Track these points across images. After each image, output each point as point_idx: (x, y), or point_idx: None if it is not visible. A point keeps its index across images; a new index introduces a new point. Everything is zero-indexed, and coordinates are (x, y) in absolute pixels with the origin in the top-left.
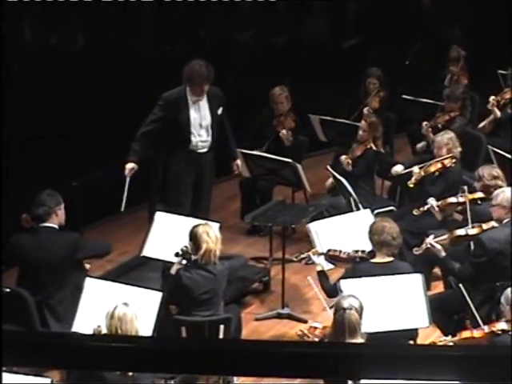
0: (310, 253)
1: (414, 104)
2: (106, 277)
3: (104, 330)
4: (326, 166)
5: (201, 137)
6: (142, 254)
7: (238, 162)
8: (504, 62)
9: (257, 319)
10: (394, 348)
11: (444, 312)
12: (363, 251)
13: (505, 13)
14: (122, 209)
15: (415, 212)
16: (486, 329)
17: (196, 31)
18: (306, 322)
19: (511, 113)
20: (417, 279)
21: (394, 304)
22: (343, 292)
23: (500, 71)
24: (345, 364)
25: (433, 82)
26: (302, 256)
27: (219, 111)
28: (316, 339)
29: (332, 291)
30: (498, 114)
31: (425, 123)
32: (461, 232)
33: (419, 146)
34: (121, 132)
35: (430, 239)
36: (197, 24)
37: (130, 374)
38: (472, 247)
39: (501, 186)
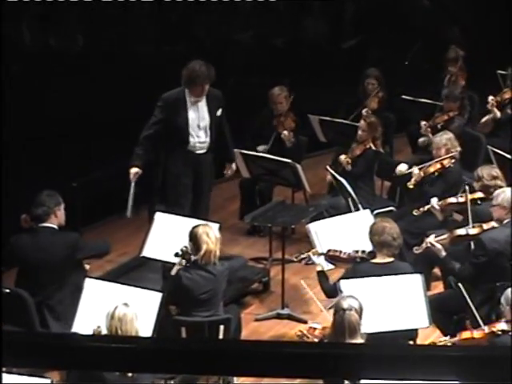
0: (310, 253)
1: (414, 104)
2: (105, 277)
3: (104, 331)
4: (325, 167)
5: (199, 138)
6: (141, 255)
7: (233, 166)
8: (503, 62)
9: (256, 320)
10: (394, 348)
11: (444, 312)
12: (363, 251)
13: (504, 13)
14: (129, 214)
15: (415, 213)
16: (486, 329)
17: (196, 31)
18: (305, 322)
19: (511, 113)
20: (416, 279)
21: (394, 304)
22: (343, 292)
23: (499, 71)
24: (345, 364)
25: (432, 83)
26: (302, 256)
27: (218, 113)
28: (315, 340)
29: (332, 291)
30: (498, 114)
31: (424, 123)
32: (461, 232)
33: (421, 140)
34: (121, 132)
35: (430, 238)
36: (196, 24)
37: (130, 374)
38: (472, 247)
39: (500, 186)
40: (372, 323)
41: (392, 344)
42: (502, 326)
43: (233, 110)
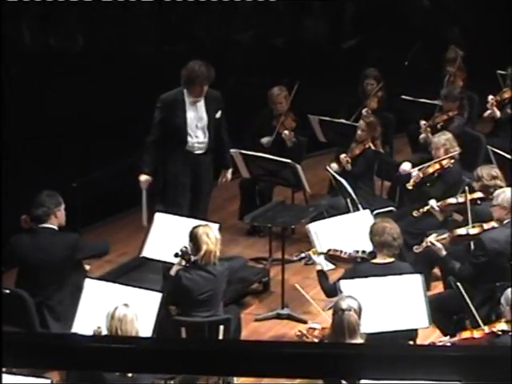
0: (310, 252)
1: (413, 104)
2: (105, 278)
3: (104, 331)
4: (325, 167)
5: (198, 138)
6: (141, 255)
7: (228, 174)
8: (503, 62)
9: (256, 320)
10: (394, 348)
11: (444, 312)
12: (364, 252)
13: (504, 13)
14: (144, 223)
15: (415, 213)
16: (486, 329)
17: (196, 31)
18: (305, 322)
19: (511, 113)
20: (416, 279)
21: (394, 304)
22: (343, 292)
23: (499, 71)
24: (345, 364)
25: (432, 83)
26: (302, 255)
27: (217, 115)
28: (315, 340)
29: (332, 291)
30: (498, 113)
31: (423, 123)
32: (461, 231)
33: (421, 137)
34: (121, 132)
35: (430, 238)
36: (196, 24)
37: (130, 374)
38: (472, 247)
39: (500, 186)
40: (372, 323)
41: (392, 344)
42: (502, 326)
43: (233, 110)
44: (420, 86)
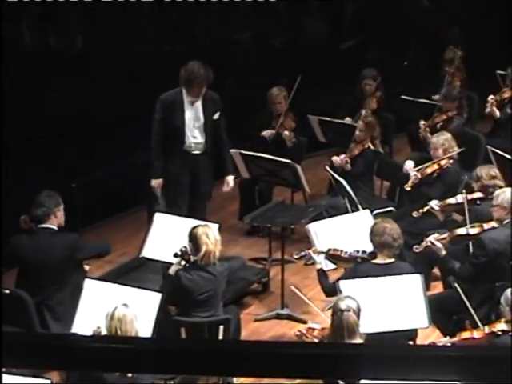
0: (311, 251)
1: (413, 104)
2: (105, 278)
3: (104, 331)
4: (325, 167)
5: (195, 138)
6: (141, 255)
7: (231, 181)
8: (503, 62)
9: (256, 320)
10: (394, 348)
11: (443, 312)
12: (364, 252)
13: (504, 13)
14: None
15: (414, 214)
16: (486, 329)
17: (196, 31)
18: (305, 322)
19: (511, 113)
20: (416, 280)
21: (394, 304)
22: (342, 292)
23: (499, 72)
24: (344, 364)
25: (432, 83)
26: (302, 254)
27: (215, 116)
28: (315, 340)
29: (331, 290)
30: (497, 113)
31: (422, 123)
32: (461, 231)
33: (422, 135)
34: (121, 132)
35: (430, 237)
36: (196, 24)
37: (130, 374)
38: (471, 247)
39: (499, 186)
40: (371, 323)
41: (392, 344)
42: (501, 326)
43: (232, 111)
44: (419, 86)
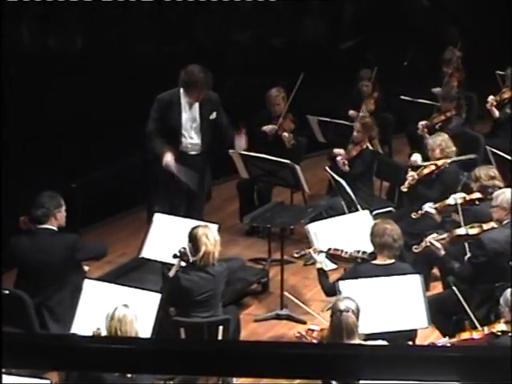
0: (311, 250)
1: (412, 105)
2: (104, 278)
3: (104, 332)
4: (324, 167)
5: (192, 139)
6: (140, 256)
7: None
8: (503, 62)
9: (256, 320)
10: (393, 349)
11: (443, 313)
12: (364, 252)
13: (504, 13)
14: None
15: (413, 215)
16: (486, 330)
17: (196, 31)
18: (304, 323)
19: (510, 113)
20: (416, 280)
21: (393, 305)
22: (342, 293)
23: (498, 72)
24: (344, 364)
25: (431, 83)
26: (302, 253)
27: (212, 116)
28: (314, 341)
29: (331, 290)
30: (497, 114)
31: (421, 123)
32: (461, 231)
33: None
34: (121, 132)
35: (430, 237)
36: (196, 24)
37: (129, 375)
38: (467, 248)
39: (498, 186)
40: (371, 324)
41: (391, 344)
42: (501, 326)
43: (232, 111)
44: (419, 87)
